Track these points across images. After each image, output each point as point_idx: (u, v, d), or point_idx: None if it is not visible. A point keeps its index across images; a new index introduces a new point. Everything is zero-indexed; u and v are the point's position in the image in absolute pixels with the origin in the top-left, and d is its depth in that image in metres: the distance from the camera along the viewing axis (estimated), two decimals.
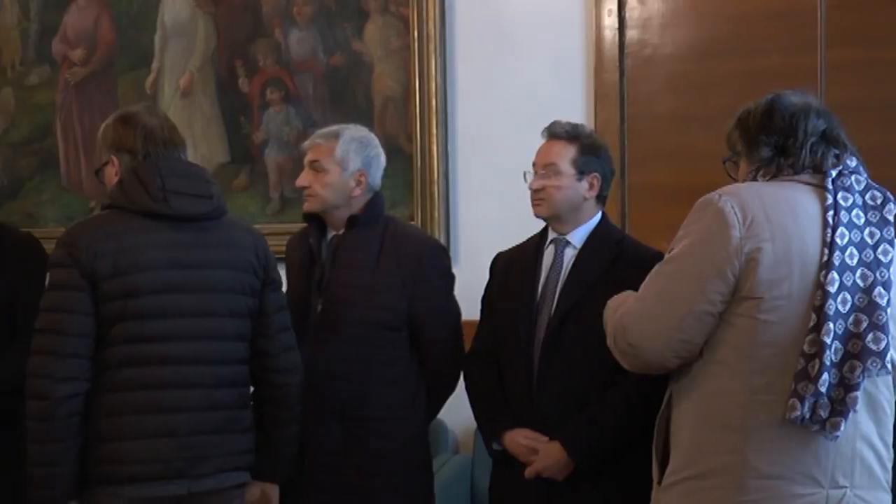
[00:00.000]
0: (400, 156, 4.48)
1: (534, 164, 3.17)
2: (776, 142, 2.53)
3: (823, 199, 2.43)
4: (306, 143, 3.40)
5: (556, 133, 3.15)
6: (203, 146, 4.84)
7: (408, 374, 3.34)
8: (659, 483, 2.56)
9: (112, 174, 2.97)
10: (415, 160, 4.46)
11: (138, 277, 2.84)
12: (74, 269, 2.80)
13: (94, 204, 4.94)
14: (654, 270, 2.54)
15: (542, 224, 3.25)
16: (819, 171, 2.49)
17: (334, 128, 3.40)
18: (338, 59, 4.63)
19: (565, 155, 3.11)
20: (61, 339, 2.79)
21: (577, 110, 4.21)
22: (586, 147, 3.13)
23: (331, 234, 3.39)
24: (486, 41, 4.45)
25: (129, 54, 4.93)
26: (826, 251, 2.38)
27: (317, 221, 3.39)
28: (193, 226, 2.93)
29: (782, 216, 2.42)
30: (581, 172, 3.11)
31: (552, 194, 3.10)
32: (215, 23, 4.80)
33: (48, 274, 2.85)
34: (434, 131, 4.43)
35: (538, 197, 3.12)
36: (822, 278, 2.36)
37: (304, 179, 3.34)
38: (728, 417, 2.42)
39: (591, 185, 3.13)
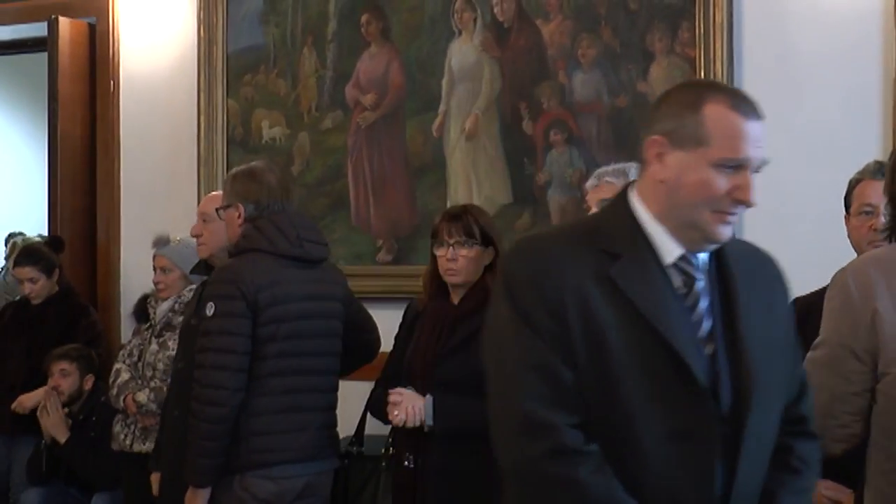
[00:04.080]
0: None
1: (868, 205, 3.09)
2: None
3: None
4: (591, 182, 3.38)
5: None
6: (486, 187, 4.92)
7: None
8: None
9: (235, 216, 3.70)
10: None
11: (287, 307, 3.57)
12: (241, 300, 3.50)
13: (381, 242, 5.11)
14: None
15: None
16: None
17: (620, 165, 3.38)
18: (622, 101, 4.62)
19: None
20: (234, 357, 3.49)
21: (873, 150, 4.02)
22: None
23: None
24: (775, 80, 4.32)
25: (417, 98, 5.07)
26: None
27: None
28: (315, 265, 3.71)
29: None
30: None
31: None
32: (501, 66, 4.88)
33: (217, 303, 3.52)
34: None
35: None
36: None
37: None
38: (891, 498, 2.27)
39: None
